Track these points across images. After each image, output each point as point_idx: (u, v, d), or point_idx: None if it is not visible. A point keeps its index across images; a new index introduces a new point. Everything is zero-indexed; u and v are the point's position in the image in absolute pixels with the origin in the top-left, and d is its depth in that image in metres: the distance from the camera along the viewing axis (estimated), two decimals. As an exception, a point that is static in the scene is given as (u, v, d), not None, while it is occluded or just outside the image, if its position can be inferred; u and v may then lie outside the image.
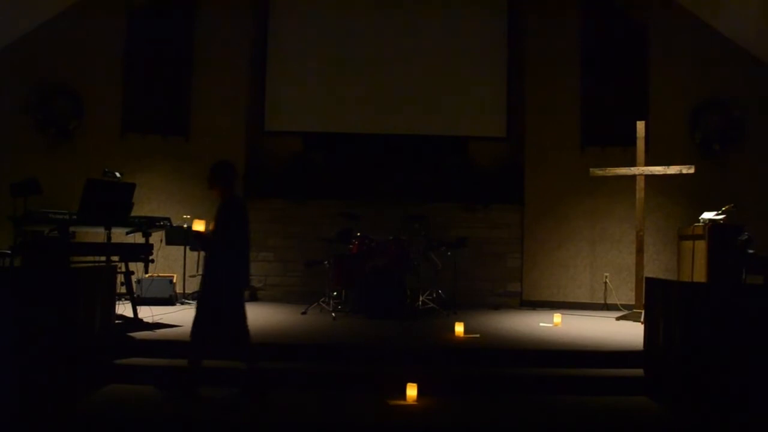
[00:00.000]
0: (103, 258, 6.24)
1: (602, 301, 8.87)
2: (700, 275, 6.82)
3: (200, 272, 5.09)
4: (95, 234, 7.09)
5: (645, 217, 7.77)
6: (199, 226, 4.82)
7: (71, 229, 6.42)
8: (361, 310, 7.51)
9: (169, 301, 8.00)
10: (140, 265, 6.96)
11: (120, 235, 6.81)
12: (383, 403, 4.78)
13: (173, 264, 8.40)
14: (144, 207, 8.28)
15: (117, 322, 5.84)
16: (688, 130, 8.93)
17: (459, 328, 6.32)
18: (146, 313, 6.66)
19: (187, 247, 8.40)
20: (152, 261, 6.74)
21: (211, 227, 4.81)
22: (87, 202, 5.99)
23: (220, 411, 4.56)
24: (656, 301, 5.48)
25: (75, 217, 6.13)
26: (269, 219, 9.20)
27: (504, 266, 9.16)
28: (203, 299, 4.88)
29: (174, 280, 8.31)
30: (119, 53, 9.20)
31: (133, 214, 6.68)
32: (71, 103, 9.03)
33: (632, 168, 7.75)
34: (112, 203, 6.22)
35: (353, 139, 9.56)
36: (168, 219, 7.32)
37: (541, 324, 7.25)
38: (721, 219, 6.91)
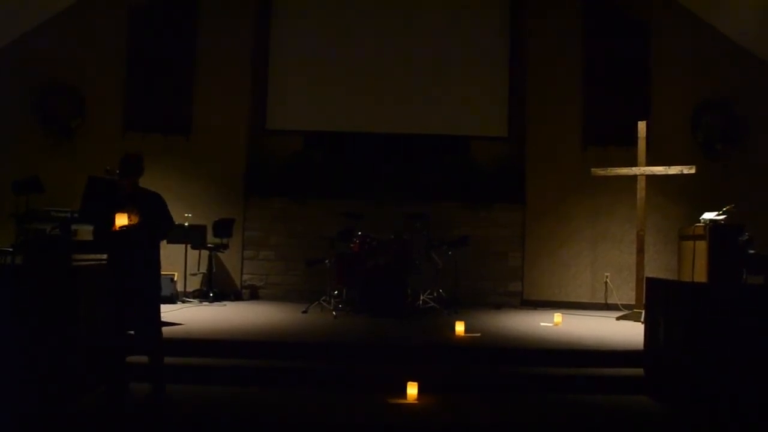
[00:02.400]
0: (104, 256, 6.24)
1: (603, 301, 8.88)
2: (700, 275, 6.82)
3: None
4: (97, 232, 7.09)
5: (646, 217, 7.77)
6: (122, 219, 4.59)
7: (73, 227, 6.44)
8: (362, 309, 7.52)
9: (170, 299, 8.01)
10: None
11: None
12: (384, 401, 4.79)
13: (174, 262, 8.40)
14: (145, 205, 8.26)
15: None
16: (689, 129, 8.93)
17: (460, 327, 6.33)
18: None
19: (188, 245, 8.42)
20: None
21: (132, 219, 4.63)
22: (88, 200, 6.00)
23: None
24: (657, 301, 5.49)
25: (76, 215, 6.15)
26: (270, 218, 9.21)
27: (505, 266, 9.17)
28: (155, 292, 4.85)
29: (175, 278, 8.33)
30: (121, 52, 9.21)
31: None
32: (72, 102, 9.05)
33: (633, 168, 7.76)
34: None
35: (355, 138, 9.55)
36: (169, 217, 7.32)
37: (542, 323, 7.26)
38: (721, 219, 6.91)
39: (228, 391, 4.96)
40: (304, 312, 7.54)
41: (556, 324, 7.13)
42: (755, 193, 8.49)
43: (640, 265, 7.61)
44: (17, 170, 7.75)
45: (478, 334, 6.33)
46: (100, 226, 4.77)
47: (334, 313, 7.28)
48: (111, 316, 4.71)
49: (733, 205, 6.97)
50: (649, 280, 5.97)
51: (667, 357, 5.11)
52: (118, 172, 4.76)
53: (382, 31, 9.57)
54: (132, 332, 4.75)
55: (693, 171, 7.56)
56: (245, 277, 9.19)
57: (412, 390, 4.82)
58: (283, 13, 9.64)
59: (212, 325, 6.49)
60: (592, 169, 8.00)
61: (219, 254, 8.87)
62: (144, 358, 4.75)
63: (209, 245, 8.54)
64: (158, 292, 4.87)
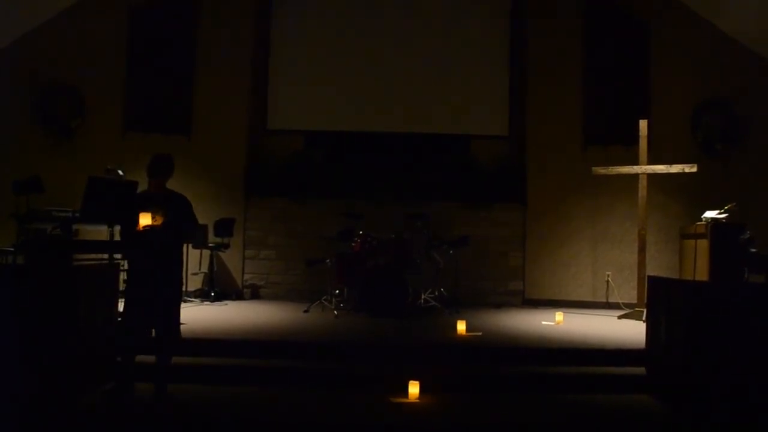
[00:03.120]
0: (105, 256, 6.25)
1: (604, 300, 8.87)
2: (701, 274, 6.81)
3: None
4: (97, 232, 7.10)
5: (647, 215, 7.76)
6: (146, 219, 4.56)
7: (74, 226, 6.44)
8: (363, 309, 7.52)
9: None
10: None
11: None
12: (385, 401, 4.79)
13: (175, 262, 8.39)
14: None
15: (119, 319, 5.84)
16: (690, 128, 8.92)
17: (461, 327, 6.33)
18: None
19: (190, 245, 8.41)
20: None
21: (158, 219, 4.62)
22: (89, 200, 5.99)
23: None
24: (658, 300, 5.48)
25: (77, 215, 6.14)
26: (271, 217, 9.21)
27: (506, 265, 9.16)
28: (178, 292, 4.86)
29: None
30: (121, 52, 9.21)
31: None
32: (73, 102, 9.05)
33: (634, 167, 7.75)
34: (114, 201, 6.21)
35: (355, 137, 9.56)
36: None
37: (543, 322, 7.26)
38: (723, 218, 6.90)
39: (229, 391, 4.95)
40: (306, 311, 7.54)
41: (557, 323, 7.13)
42: (756, 192, 8.47)
43: (641, 264, 7.61)
44: (17, 170, 7.73)
45: (480, 334, 6.33)
46: (125, 226, 4.77)
47: (335, 312, 7.27)
48: (126, 315, 4.70)
49: (734, 204, 6.96)
50: (651, 279, 5.97)
51: (669, 356, 5.10)
52: (147, 171, 4.76)
53: (383, 30, 9.57)
54: (149, 331, 4.74)
55: (694, 170, 7.55)
56: (246, 276, 9.19)
57: (413, 389, 4.82)
58: (284, 13, 9.64)
59: (213, 325, 6.49)
60: (593, 168, 8.00)
61: (220, 254, 8.87)
62: (144, 358, 4.74)
63: (210, 245, 8.53)
64: (179, 293, 4.89)
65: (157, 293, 4.66)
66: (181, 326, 6.08)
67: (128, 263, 4.87)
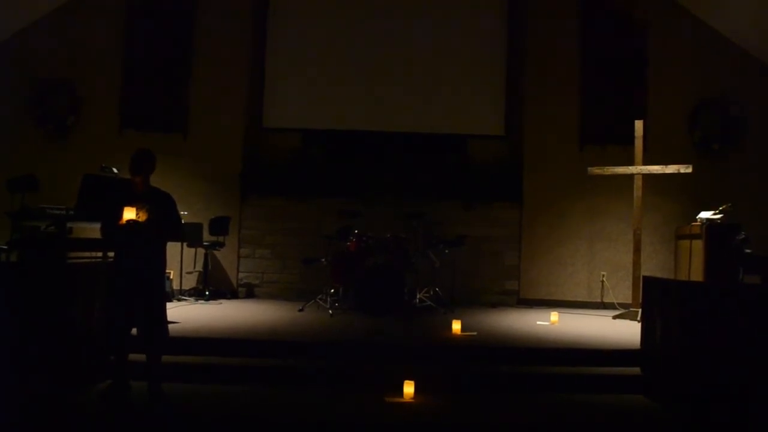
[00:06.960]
0: (100, 253, 6.23)
1: (599, 300, 8.88)
2: (697, 274, 6.83)
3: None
4: (92, 230, 7.06)
5: (642, 215, 7.77)
6: (130, 213, 4.47)
7: (68, 224, 6.42)
8: (358, 308, 7.50)
9: (167, 297, 7.97)
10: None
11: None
12: (380, 400, 4.78)
13: (170, 260, 8.25)
14: (141, 203, 8.22)
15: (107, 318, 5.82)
16: (686, 129, 8.94)
17: (456, 326, 6.33)
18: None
19: (185, 243, 8.40)
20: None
21: (141, 216, 4.53)
22: (84, 197, 5.98)
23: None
24: (653, 300, 5.49)
25: (72, 212, 6.13)
26: (267, 216, 9.19)
27: (502, 264, 9.16)
28: (162, 289, 4.81)
29: (171, 277, 8.29)
30: (118, 49, 9.18)
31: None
32: (69, 99, 9.03)
33: (630, 167, 7.75)
34: (108, 199, 6.19)
35: (352, 136, 9.53)
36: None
37: (538, 322, 7.26)
38: (718, 218, 6.92)
39: (223, 390, 4.94)
40: (301, 310, 7.52)
41: (552, 323, 7.13)
42: (751, 192, 8.50)
43: (636, 264, 7.62)
44: (12, 167, 7.70)
45: (475, 333, 6.33)
46: (107, 221, 4.66)
47: (330, 311, 7.26)
48: (114, 313, 4.66)
49: (729, 204, 6.98)
50: (646, 279, 5.98)
51: (664, 356, 5.11)
52: (129, 168, 4.63)
53: (380, 29, 9.54)
54: (135, 329, 4.66)
55: (690, 170, 7.55)
56: (241, 275, 9.17)
57: (408, 389, 4.81)
58: (281, 11, 9.60)
59: (208, 324, 6.48)
60: (589, 168, 8.00)
61: (215, 252, 8.85)
62: (139, 356, 4.72)
63: (205, 243, 8.51)
64: (163, 290, 4.83)
65: (139, 291, 4.56)
66: (177, 324, 6.09)
67: (114, 260, 4.78)
